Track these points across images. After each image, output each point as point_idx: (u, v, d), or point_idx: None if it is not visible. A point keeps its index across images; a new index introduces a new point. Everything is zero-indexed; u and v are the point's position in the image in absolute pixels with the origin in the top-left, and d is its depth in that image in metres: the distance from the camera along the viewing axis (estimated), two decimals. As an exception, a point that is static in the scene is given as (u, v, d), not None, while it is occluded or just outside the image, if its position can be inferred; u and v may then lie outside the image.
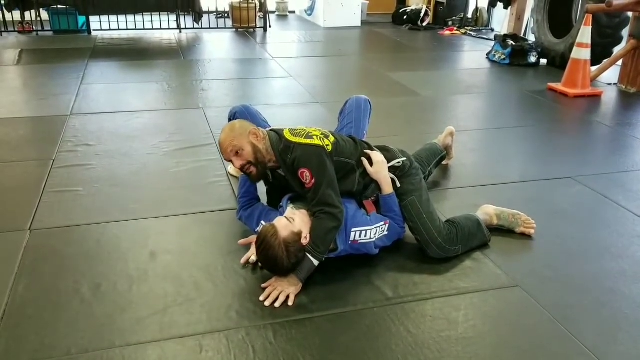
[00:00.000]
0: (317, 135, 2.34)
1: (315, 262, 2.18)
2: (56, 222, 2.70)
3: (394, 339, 1.96)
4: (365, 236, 2.30)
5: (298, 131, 2.38)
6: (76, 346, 1.89)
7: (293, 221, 2.17)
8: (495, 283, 2.30)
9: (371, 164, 2.42)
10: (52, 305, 2.09)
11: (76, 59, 6.09)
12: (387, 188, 2.42)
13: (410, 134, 4.07)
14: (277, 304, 2.10)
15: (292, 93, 5.09)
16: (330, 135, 2.42)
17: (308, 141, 2.30)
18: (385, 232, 2.38)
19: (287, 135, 2.35)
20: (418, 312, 2.11)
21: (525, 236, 2.65)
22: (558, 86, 5.28)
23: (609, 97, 5.24)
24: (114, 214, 2.78)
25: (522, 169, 3.49)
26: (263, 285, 2.19)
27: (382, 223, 2.36)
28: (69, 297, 2.15)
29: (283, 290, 2.14)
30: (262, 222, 2.39)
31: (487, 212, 2.67)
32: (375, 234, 2.33)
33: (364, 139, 2.77)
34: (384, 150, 2.53)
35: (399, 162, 2.48)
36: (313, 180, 2.23)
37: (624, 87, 5.47)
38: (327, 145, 2.32)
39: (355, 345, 1.93)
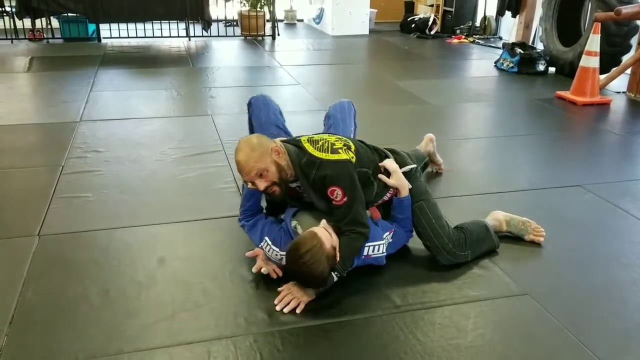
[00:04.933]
0: (341, 148, 2.26)
1: (336, 278, 2.16)
2: (65, 227, 2.71)
3: (402, 347, 1.95)
4: (378, 251, 2.29)
5: (320, 144, 2.27)
6: (84, 352, 1.89)
7: (331, 235, 2.11)
8: (505, 291, 2.29)
9: (387, 175, 2.38)
10: (60, 311, 2.10)
11: (86, 66, 6.14)
12: (405, 192, 2.39)
13: (418, 142, 4.05)
14: (286, 310, 2.09)
15: (300, 100, 5.10)
16: (351, 144, 2.34)
17: (336, 157, 2.21)
18: (390, 240, 2.36)
19: (310, 149, 2.24)
20: (427, 320, 2.10)
21: (534, 244, 2.63)
22: (567, 94, 5.26)
23: (618, 105, 5.21)
24: (122, 220, 2.79)
25: (530, 177, 3.48)
26: (279, 289, 2.17)
27: (388, 233, 2.35)
28: (77, 302, 2.15)
29: (296, 297, 2.12)
30: (266, 239, 2.30)
31: (496, 217, 2.66)
32: (386, 247, 2.32)
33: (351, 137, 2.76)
34: (393, 153, 2.50)
35: (412, 168, 2.46)
36: (345, 199, 2.16)
37: (632, 95, 5.45)
38: (352, 158, 2.26)
39: (364, 353, 1.92)
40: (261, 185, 2.21)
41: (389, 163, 2.40)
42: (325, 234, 2.10)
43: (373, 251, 2.27)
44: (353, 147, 2.33)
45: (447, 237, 2.38)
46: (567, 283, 2.36)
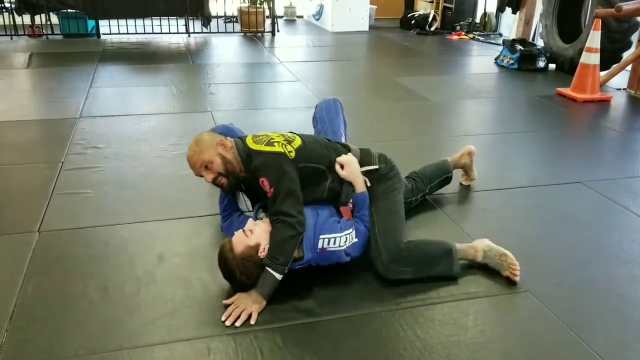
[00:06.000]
0: (279, 142, 2.29)
1: (278, 276, 2.09)
2: (65, 224, 2.71)
3: (402, 344, 1.95)
4: (334, 244, 2.19)
5: (260, 137, 2.33)
6: (84, 348, 1.89)
7: (251, 233, 2.11)
8: (505, 288, 2.28)
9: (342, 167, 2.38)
10: (60, 307, 2.10)
11: (85, 63, 6.13)
12: (358, 186, 2.36)
13: (418, 139, 4.06)
14: (237, 324, 2.01)
15: (300, 97, 5.09)
16: (296, 140, 2.35)
17: (268, 149, 2.25)
18: (355, 239, 2.27)
19: (249, 143, 2.31)
20: (427, 317, 2.10)
21: (537, 243, 2.63)
22: (567, 91, 5.25)
23: (618, 102, 5.21)
24: (122, 217, 2.79)
25: (531, 174, 3.47)
26: (225, 302, 2.10)
27: (350, 230, 2.26)
28: (77, 298, 2.15)
29: (245, 309, 2.05)
30: (235, 233, 2.32)
31: (475, 245, 2.41)
32: (345, 241, 2.22)
33: (343, 138, 2.74)
34: (364, 153, 2.49)
35: (370, 168, 2.43)
36: (272, 189, 2.18)
37: (633, 92, 5.44)
38: (289, 152, 2.26)
39: (364, 350, 1.92)
40: (208, 177, 2.31)
41: (344, 157, 2.39)
42: (240, 235, 2.11)
43: (329, 244, 2.18)
44: (297, 143, 2.33)
45: (385, 248, 2.25)
46: (567, 280, 2.37)
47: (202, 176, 2.35)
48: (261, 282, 2.09)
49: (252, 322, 2.03)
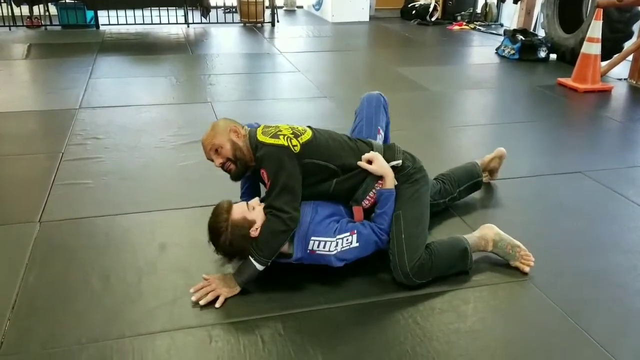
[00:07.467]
0: (284, 135, 2.26)
1: (258, 266, 2.10)
2: (65, 214, 2.72)
3: (402, 331, 1.96)
4: (324, 248, 2.14)
5: (269, 129, 2.32)
6: (86, 336, 1.90)
7: (253, 210, 2.14)
8: (505, 277, 2.29)
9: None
10: (62, 296, 2.11)
11: (85, 53, 6.11)
12: (389, 181, 2.30)
13: (419, 129, 4.06)
14: (202, 302, 2.05)
15: (300, 87, 5.08)
16: (306, 134, 2.31)
17: (272, 141, 2.24)
18: (355, 244, 2.18)
19: (258, 134, 2.31)
20: (427, 305, 2.11)
21: (537, 232, 2.63)
22: (568, 81, 5.24)
23: (619, 92, 5.20)
24: (122, 207, 2.79)
25: (531, 164, 3.47)
26: (203, 276, 2.16)
27: (348, 234, 2.17)
28: (78, 288, 2.16)
29: (215, 290, 2.08)
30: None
31: (485, 234, 2.38)
32: (336, 246, 2.15)
33: (380, 137, 2.65)
34: (387, 149, 2.44)
35: (397, 163, 2.36)
36: (269, 182, 2.19)
37: (634, 82, 5.43)
38: (294, 146, 2.23)
39: (364, 338, 1.93)
40: (217, 161, 2.32)
41: (369, 153, 2.35)
42: (242, 205, 2.14)
43: (318, 247, 2.13)
44: (305, 138, 2.29)
45: (409, 259, 2.17)
46: (568, 269, 2.37)
47: (212, 160, 2.35)
48: (240, 269, 2.12)
49: (217, 305, 2.06)
